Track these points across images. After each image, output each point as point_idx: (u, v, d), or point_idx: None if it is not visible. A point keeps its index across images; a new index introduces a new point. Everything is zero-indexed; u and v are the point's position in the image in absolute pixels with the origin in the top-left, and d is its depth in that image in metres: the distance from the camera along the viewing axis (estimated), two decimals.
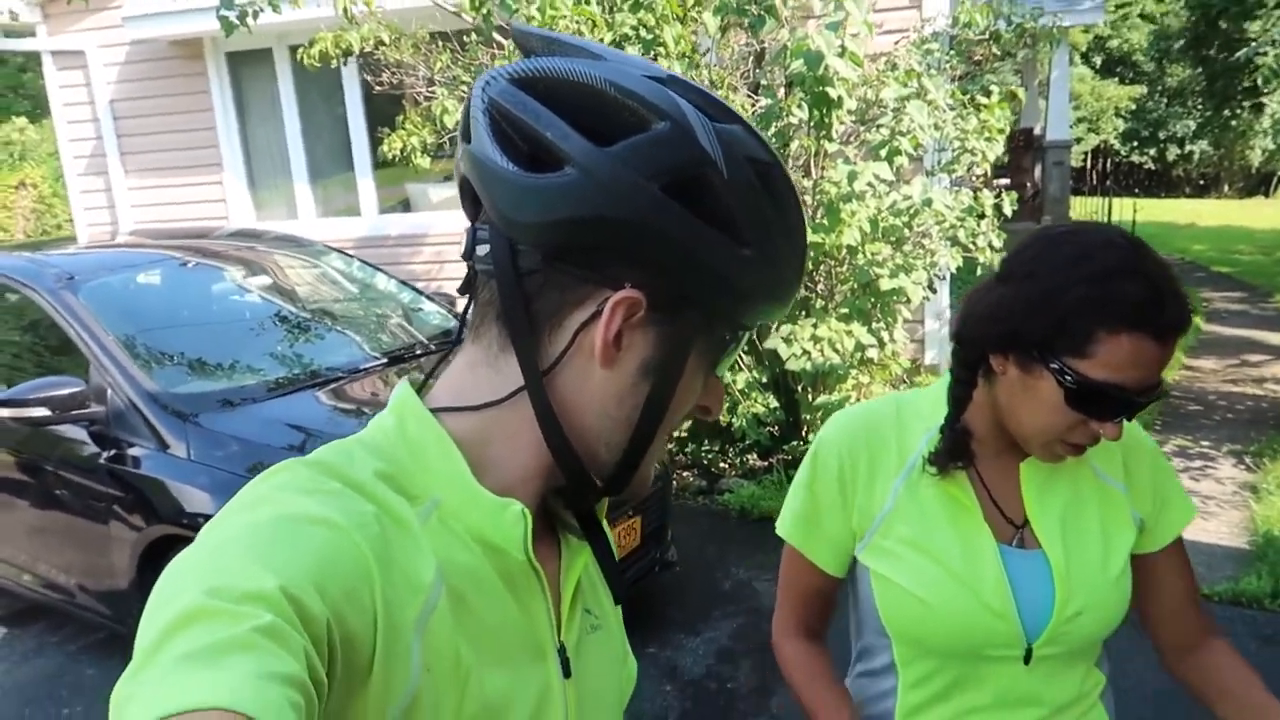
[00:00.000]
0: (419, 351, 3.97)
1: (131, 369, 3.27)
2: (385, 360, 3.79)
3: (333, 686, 0.55)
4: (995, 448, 1.14)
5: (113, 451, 3.19)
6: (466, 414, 0.70)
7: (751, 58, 4.68)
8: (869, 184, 4.33)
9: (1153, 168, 29.76)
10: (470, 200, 0.70)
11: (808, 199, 4.65)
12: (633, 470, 0.72)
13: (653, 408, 0.69)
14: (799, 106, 4.21)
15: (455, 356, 0.73)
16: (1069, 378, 0.98)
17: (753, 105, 4.50)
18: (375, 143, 7.12)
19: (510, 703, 0.68)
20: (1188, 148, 28.66)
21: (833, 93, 3.98)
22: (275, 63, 7.22)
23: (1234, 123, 22.70)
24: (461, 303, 0.73)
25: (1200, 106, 25.63)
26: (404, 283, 4.70)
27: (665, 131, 0.63)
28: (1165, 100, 28.40)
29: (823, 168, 4.66)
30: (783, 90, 4.63)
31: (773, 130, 4.39)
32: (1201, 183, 30.28)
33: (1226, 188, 30.13)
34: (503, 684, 0.67)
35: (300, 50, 4.54)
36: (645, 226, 0.63)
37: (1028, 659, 1.11)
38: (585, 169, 0.62)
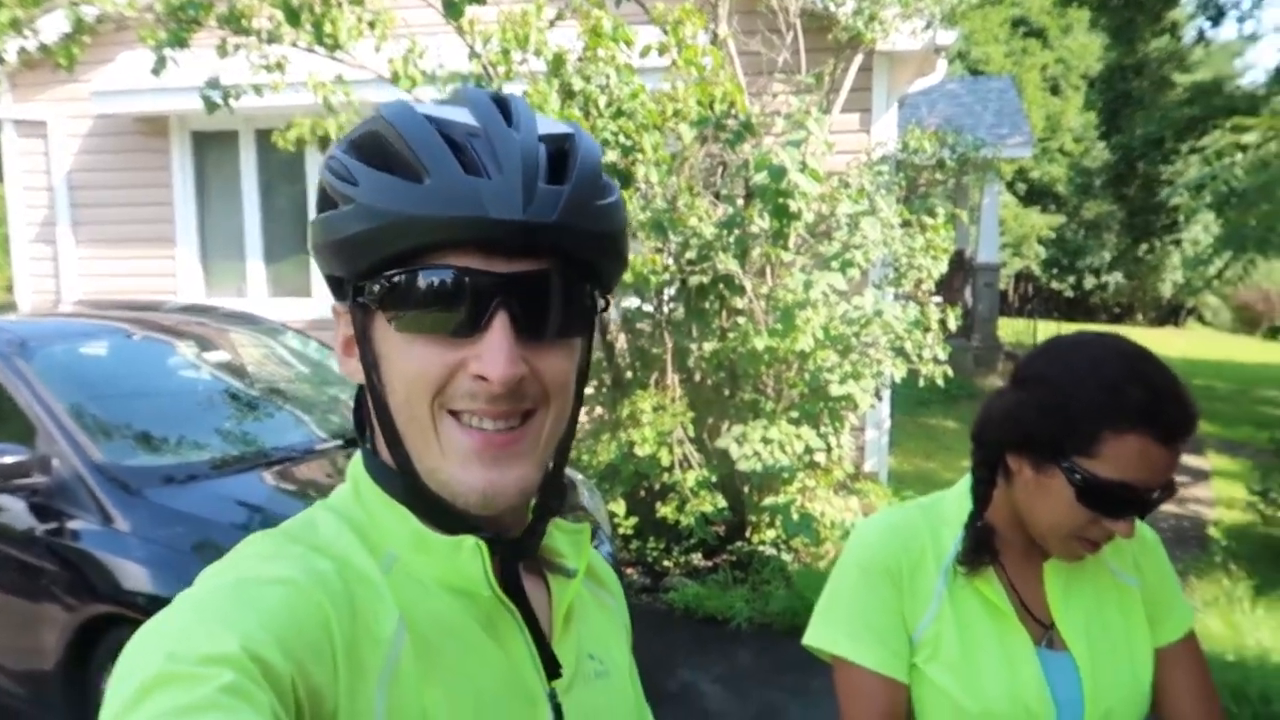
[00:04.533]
0: None
1: (80, 439, 3.19)
2: (340, 443, 3.75)
3: None
4: (1019, 547, 1.17)
5: (53, 525, 3.07)
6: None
7: (719, 168, 4.90)
8: (823, 293, 4.51)
9: (1071, 295, 31.20)
10: None
11: (763, 304, 4.81)
12: (413, 473, 0.68)
13: (371, 387, 0.70)
14: (760, 216, 4.40)
15: None
16: (1078, 476, 1.04)
17: (714, 211, 4.69)
18: None
19: None
20: (1103, 278, 30.18)
21: (793, 205, 4.18)
22: (240, 144, 7.29)
23: (1148, 257, 24.12)
24: None
25: (1116, 240, 27.15)
26: None
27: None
28: (1083, 231, 30.01)
29: (778, 275, 4.84)
30: (742, 200, 4.84)
31: (733, 237, 4.57)
32: (1117, 310, 31.80)
33: (1140, 316, 31.71)
34: None
35: (275, 134, 4.61)
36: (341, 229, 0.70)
37: None
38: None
